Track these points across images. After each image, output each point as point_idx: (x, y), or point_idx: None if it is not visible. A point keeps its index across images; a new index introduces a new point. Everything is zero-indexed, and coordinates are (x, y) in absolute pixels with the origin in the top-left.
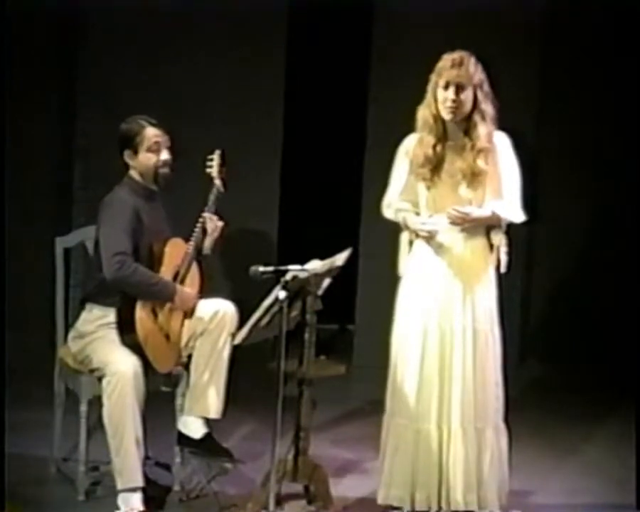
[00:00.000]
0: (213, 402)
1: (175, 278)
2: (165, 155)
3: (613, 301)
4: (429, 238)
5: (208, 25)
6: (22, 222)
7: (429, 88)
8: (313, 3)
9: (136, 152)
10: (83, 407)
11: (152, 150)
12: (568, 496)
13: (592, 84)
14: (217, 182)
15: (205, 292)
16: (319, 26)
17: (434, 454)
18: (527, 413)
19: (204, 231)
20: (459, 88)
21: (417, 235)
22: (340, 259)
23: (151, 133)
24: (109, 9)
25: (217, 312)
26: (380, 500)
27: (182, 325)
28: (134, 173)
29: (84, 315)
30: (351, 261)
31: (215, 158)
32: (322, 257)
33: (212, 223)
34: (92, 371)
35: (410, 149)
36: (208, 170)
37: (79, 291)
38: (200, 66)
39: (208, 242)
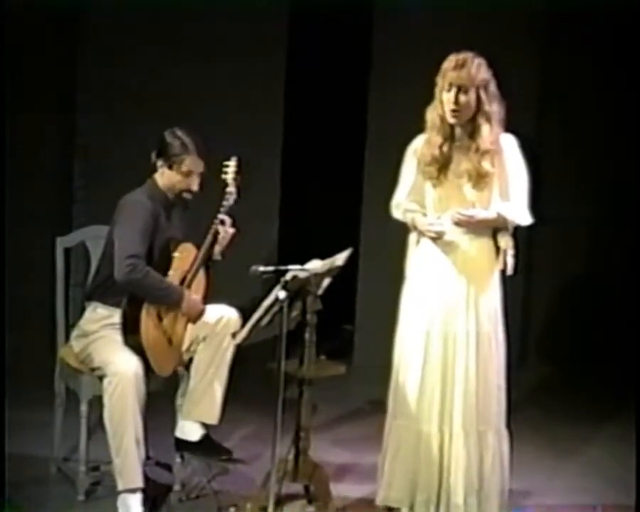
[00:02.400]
0: (211, 408)
1: (182, 283)
2: (195, 186)
3: (614, 301)
4: (437, 239)
5: (208, 25)
6: (22, 222)
7: (437, 89)
8: (313, 4)
9: (170, 168)
10: (83, 407)
11: (186, 175)
12: (568, 496)
13: (593, 85)
14: (232, 189)
15: (209, 297)
16: (319, 26)
17: (435, 456)
18: (527, 413)
19: (215, 237)
20: (461, 90)
21: (424, 235)
22: (340, 259)
23: (193, 162)
24: (109, 9)
25: (221, 318)
26: (379, 501)
27: (185, 329)
28: (158, 180)
29: (88, 314)
30: (351, 261)
31: (232, 165)
32: (322, 257)
33: (224, 230)
34: (93, 370)
35: (418, 149)
36: (223, 176)
37: (79, 291)
38: (200, 66)
39: (218, 249)
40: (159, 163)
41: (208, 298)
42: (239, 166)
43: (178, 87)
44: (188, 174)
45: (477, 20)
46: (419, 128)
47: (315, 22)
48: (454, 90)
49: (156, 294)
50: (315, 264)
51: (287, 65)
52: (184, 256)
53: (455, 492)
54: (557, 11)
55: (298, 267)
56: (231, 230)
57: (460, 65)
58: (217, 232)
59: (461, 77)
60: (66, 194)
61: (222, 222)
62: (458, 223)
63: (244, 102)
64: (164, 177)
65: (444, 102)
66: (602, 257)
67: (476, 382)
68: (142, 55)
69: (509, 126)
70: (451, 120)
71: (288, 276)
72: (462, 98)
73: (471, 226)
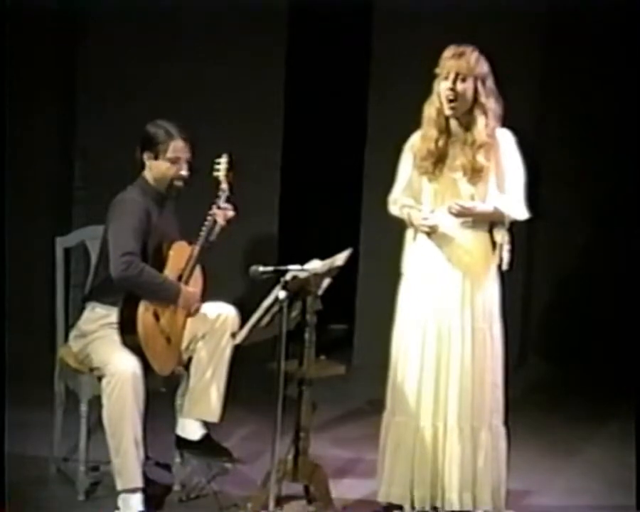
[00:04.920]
0: (212, 406)
1: (178, 281)
2: (184, 171)
3: (614, 300)
4: (431, 233)
5: (209, 25)
6: (22, 222)
7: (435, 82)
8: (313, 3)
9: (156, 157)
10: (83, 407)
11: (173, 162)
12: (568, 496)
13: (593, 80)
14: (224, 186)
15: (206, 294)
16: (319, 26)
17: (429, 451)
18: (527, 413)
19: (209, 232)
20: (458, 78)
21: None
22: (340, 259)
23: (178, 146)
24: (109, 9)
25: (220, 315)
26: (380, 498)
27: (184, 328)
28: (147, 175)
29: (86, 314)
30: (351, 261)
31: (223, 161)
32: (322, 257)
33: (223, 214)
34: (92, 370)
35: (415, 144)
36: (215, 173)
37: (79, 291)
38: (200, 66)
39: (217, 228)
40: (146, 156)
41: (205, 295)
42: (230, 162)
43: (178, 87)
44: (175, 160)
45: (477, 17)
46: (418, 128)
47: (315, 21)
48: (451, 77)
49: (152, 290)
50: (315, 264)
51: (287, 64)
52: (179, 254)
53: (450, 487)
54: (558, 8)
55: (298, 267)
56: (231, 213)
57: (459, 54)
58: (215, 221)
59: (460, 65)
60: (66, 194)
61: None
62: (456, 214)
63: (244, 102)
64: (153, 169)
65: (441, 94)
66: (602, 255)
67: (471, 378)
68: (142, 55)
69: (508, 122)
70: (448, 112)
71: (288, 276)
72: (459, 86)
73: (469, 217)
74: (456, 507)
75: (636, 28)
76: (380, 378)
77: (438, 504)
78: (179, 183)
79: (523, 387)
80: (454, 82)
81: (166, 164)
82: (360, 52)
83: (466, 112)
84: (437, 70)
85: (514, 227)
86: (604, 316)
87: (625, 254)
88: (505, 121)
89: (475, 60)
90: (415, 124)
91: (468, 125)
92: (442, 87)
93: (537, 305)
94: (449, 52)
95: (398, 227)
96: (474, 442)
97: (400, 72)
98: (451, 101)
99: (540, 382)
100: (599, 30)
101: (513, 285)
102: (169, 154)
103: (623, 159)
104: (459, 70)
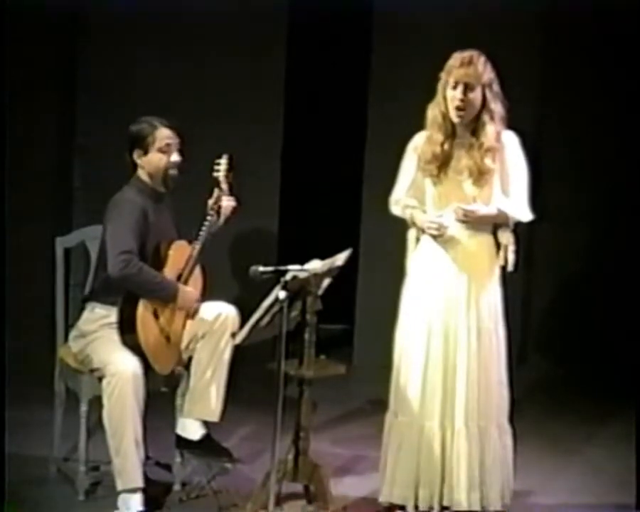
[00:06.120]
0: (212, 405)
1: (177, 280)
2: (175, 157)
3: (615, 300)
4: (439, 235)
5: (208, 25)
6: (22, 222)
7: (439, 86)
8: (313, 4)
9: (146, 152)
10: (83, 407)
11: (163, 151)
12: (569, 495)
13: (593, 80)
14: (224, 187)
15: (206, 294)
16: (319, 26)
17: (436, 451)
18: (528, 413)
19: (210, 231)
20: (468, 87)
21: (424, 232)
22: (340, 259)
23: (164, 134)
24: (109, 9)
25: (220, 315)
26: (382, 499)
27: (183, 327)
28: (142, 174)
29: (86, 314)
30: (351, 261)
31: (223, 162)
32: (322, 257)
33: (227, 204)
34: (92, 371)
35: (419, 146)
36: (215, 174)
37: (79, 291)
38: (200, 66)
39: (221, 220)
40: (136, 155)
41: (205, 295)
42: (230, 163)
43: (178, 87)
44: (165, 149)
45: (477, 18)
46: (418, 128)
47: (315, 21)
48: (460, 88)
49: (150, 289)
50: (315, 264)
51: (287, 64)
52: (178, 253)
53: (458, 487)
54: (558, 8)
55: (298, 267)
56: (233, 203)
57: (467, 63)
58: (216, 219)
59: (469, 74)
60: (66, 194)
61: (219, 209)
62: (460, 218)
63: (244, 101)
64: (145, 165)
65: (447, 99)
66: (603, 255)
67: (477, 377)
68: (142, 55)
69: (508, 123)
70: (456, 119)
71: (288, 276)
72: (470, 95)
73: (473, 221)
74: (464, 507)
75: (636, 28)
76: (381, 378)
77: (446, 503)
78: (174, 172)
79: (523, 387)
80: (464, 92)
81: (156, 155)
82: (361, 52)
83: (473, 117)
84: (443, 76)
85: (516, 228)
86: (604, 316)
87: (625, 254)
88: (507, 123)
89: (483, 68)
90: (415, 124)
91: (475, 129)
92: (450, 96)
93: (537, 305)
94: (456, 60)
95: (398, 227)
96: (482, 441)
97: (400, 73)
98: (459, 109)
99: (540, 382)
100: (599, 30)
101: (513, 285)
102: (157, 144)
103: (623, 160)
104: (468, 79)
